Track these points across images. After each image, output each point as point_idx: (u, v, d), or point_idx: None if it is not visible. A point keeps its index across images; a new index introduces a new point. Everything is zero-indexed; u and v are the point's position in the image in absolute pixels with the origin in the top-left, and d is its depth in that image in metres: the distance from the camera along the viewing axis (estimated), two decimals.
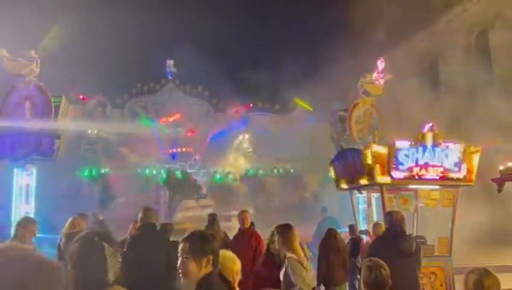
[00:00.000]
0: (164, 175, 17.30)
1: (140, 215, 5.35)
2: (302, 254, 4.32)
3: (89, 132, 17.42)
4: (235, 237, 6.90)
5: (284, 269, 4.21)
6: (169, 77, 19.97)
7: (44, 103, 10.50)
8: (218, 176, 18.52)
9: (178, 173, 17.46)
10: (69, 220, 5.79)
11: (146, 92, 19.71)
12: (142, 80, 19.64)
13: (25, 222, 5.35)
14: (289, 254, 4.21)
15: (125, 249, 5.12)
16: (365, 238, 8.60)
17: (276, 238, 4.39)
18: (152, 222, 5.37)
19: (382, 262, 3.42)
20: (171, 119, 18.87)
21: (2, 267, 1.17)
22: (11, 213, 10.40)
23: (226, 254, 2.59)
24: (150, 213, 5.42)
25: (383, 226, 8.28)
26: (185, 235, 2.63)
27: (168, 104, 19.40)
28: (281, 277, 4.26)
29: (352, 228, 9.31)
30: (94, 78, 16.64)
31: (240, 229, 6.98)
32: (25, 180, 10.73)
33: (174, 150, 18.38)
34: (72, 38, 13.31)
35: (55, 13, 12.77)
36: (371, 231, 8.36)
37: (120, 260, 1.87)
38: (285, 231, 4.38)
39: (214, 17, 19.39)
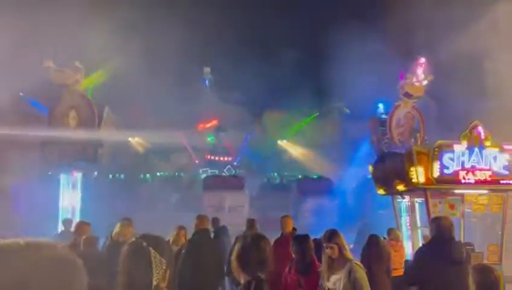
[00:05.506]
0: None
1: (195, 221, 6.21)
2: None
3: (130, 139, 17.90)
4: (278, 241, 6.81)
5: (341, 276, 3.98)
6: (206, 84, 20.29)
7: (89, 112, 10.87)
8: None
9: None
10: (118, 225, 5.86)
11: (184, 99, 20.09)
12: (179, 86, 20.03)
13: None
14: (354, 261, 4.00)
15: (183, 251, 5.84)
16: None
17: (334, 245, 4.07)
18: (206, 228, 6.25)
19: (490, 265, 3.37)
20: (208, 125, 19.16)
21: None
22: (58, 215, 10.84)
23: None
24: (204, 220, 6.31)
25: (396, 232, 8.10)
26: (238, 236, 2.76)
27: (205, 110, 19.70)
28: (331, 285, 4.03)
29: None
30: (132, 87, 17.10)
31: (282, 233, 6.94)
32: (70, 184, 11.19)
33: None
34: (111, 48, 13.73)
35: (97, 23, 13.24)
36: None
37: (164, 267, 1.92)
38: (339, 236, 4.16)
39: (248, 23, 19.49)
